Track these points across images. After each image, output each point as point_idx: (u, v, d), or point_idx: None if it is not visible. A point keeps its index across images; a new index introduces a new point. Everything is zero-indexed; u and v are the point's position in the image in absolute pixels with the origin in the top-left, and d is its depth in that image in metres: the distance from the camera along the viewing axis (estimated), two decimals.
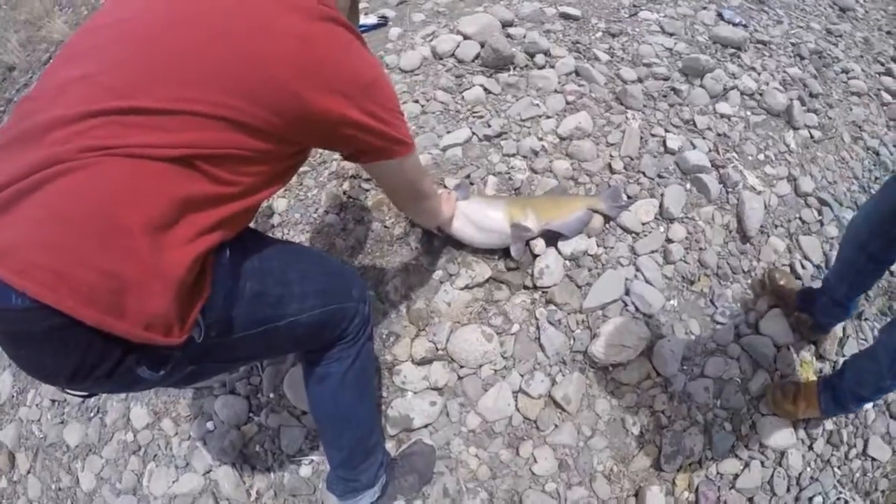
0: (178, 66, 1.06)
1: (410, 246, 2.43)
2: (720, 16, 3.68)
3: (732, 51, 3.40)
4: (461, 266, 2.31)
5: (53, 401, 2.66)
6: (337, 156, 2.57)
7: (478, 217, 2.16)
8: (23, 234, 0.95)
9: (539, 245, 2.29)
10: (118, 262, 0.97)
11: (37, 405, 2.72)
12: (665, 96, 2.98)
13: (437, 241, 2.38)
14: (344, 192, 2.73)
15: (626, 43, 3.32)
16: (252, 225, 1.43)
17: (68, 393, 1.26)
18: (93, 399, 2.51)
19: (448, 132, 2.83)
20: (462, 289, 2.26)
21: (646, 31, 3.43)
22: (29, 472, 2.60)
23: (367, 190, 2.71)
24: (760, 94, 3.13)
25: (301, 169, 2.79)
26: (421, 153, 2.71)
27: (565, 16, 3.52)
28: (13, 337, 1.02)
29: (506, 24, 3.44)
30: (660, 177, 2.54)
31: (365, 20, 3.85)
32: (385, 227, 2.52)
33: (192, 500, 2.15)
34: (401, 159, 1.42)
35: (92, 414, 2.51)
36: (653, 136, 2.72)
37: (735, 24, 3.59)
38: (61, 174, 0.96)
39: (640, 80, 3.06)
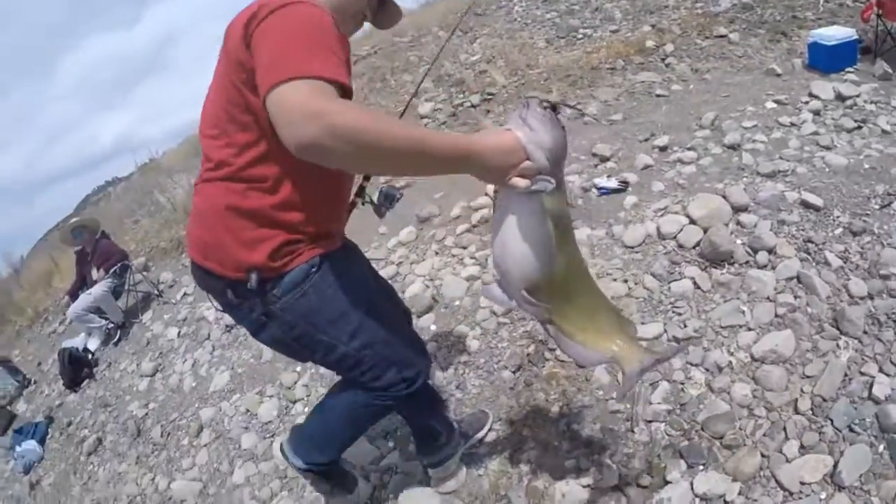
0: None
1: (559, 426, 2.58)
2: None
3: None
4: (593, 465, 2.37)
5: (247, 410, 3.59)
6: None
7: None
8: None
9: (674, 472, 2.24)
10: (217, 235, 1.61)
11: (235, 406, 3.70)
12: (895, 322, 2.73)
13: (579, 427, 2.50)
14: (527, 355, 2.99)
15: (866, 245, 3.08)
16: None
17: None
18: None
19: (642, 323, 2.95)
20: (585, 486, 2.31)
21: (895, 230, 3.15)
22: (205, 446, 3.56)
23: (548, 360, 2.92)
24: None
25: (500, 319, 3.14)
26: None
27: (805, 204, 3.39)
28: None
29: (739, 210, 3.46)
30: (850, 430, 2.21)
31: (605, 183, 4.12)
32: (547, 400, 2.72)
33: None
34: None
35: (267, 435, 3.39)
36: (861, 374, 2.40)
37: None
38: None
39: (869, 297, 2.79)
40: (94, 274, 6.18)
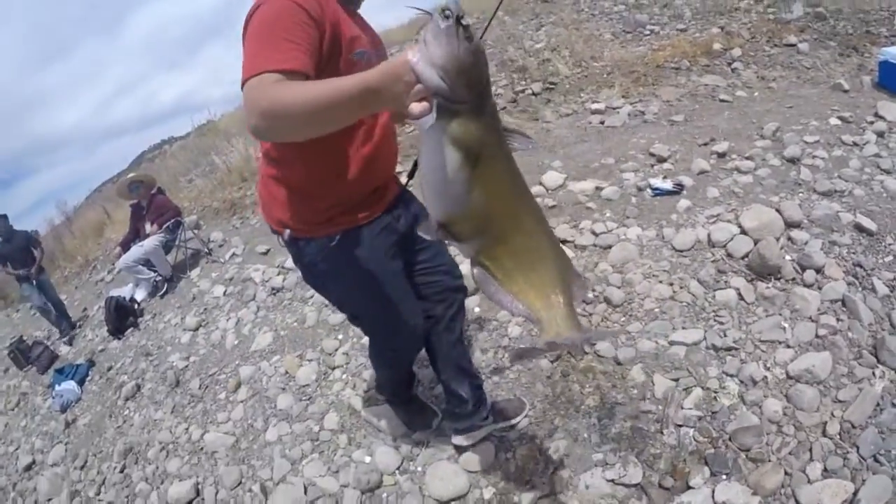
0: None
1: (590, 419, 2.66)
2: None
3: None
4: (619, 460, 2.45)
5: (286, 372, 3.78)
6: None
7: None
8: None
9: (697, 478, 2.29)
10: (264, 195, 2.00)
11: (275, 367, 3.89)
12: None
13: (610, 423, 2.59)
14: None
15: None
16: None
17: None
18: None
19: (683, 328, 3.04)
20: (609, 481, 2.38)
21: None
22: (241, 402, 3.73)
23: (587, 353, 3.02)
24: None
25: None
26: (648, 338, 3.01)
27: (859, 227, 3.42)
28: None
29: (791, 225, 3.50)
30: (874, 459, 2.21)
31: (660, 184, 4.18)
32: (581, 392, 2.76)
33: None
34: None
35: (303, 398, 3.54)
36: (893, 405, 2.41)
37: None
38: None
39: None
40: (148, 227, 6.43)
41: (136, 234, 6.60)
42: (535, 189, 4.60)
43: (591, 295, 3.37)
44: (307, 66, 1.42)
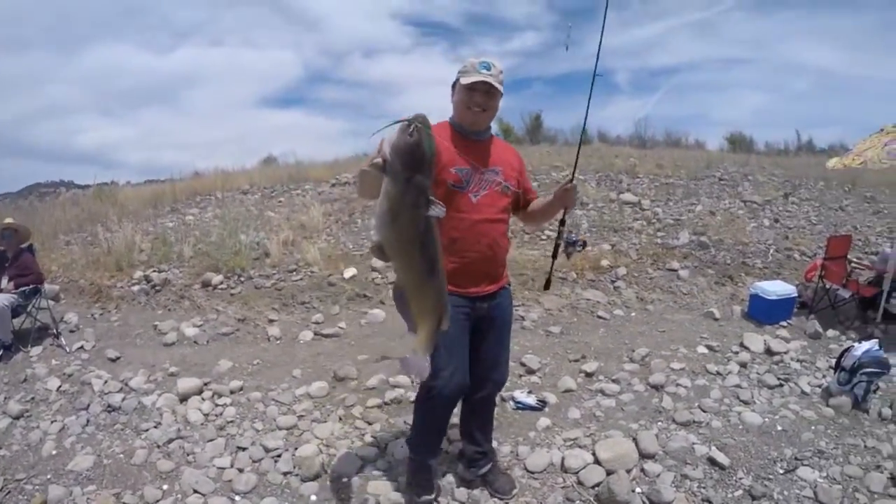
0: None
1: None
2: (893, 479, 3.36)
3: None
4: None
5: None
6: None
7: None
8: None
9: None
10: None
11: (87, 500, 3.48)
12: None
13: None
14: None
15: None
16: None
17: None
18: None
19: None
20: None
21: (794, 498, 3.21)
22: None
23: None
24: None
25: None
26: None
27: (712, 461, 3.49)
28: None
29: (646, 456, 3.55)
30: None
31: (524, 398, 4.21)
32: None
33: None
34: None
35: None
36: None
37: None
38: None
39: None
40: (4, 282, 5.86)
41: None
42: (402, 378, 4.53)
43: None
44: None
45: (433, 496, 3.11)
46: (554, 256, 3.16)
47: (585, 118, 3.25)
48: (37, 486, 3.57)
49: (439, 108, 3.11)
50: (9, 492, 3.54)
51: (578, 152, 3.34)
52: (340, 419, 4.14)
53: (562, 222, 3.06)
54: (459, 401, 3.02)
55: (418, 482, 3.12)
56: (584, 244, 3.11)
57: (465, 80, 2.57)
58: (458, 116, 2.70)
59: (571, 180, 2.73)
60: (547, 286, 3.35)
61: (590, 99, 3.00)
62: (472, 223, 2.64)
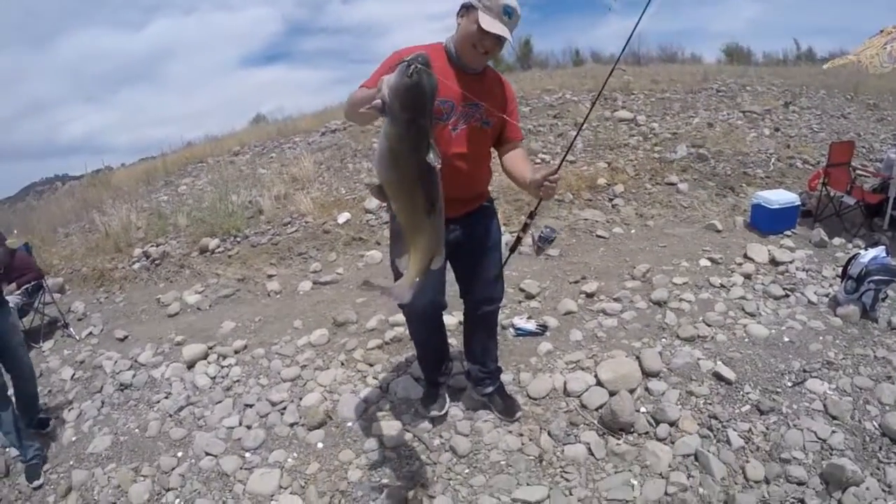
0: None
1: None
2: None
3: None
4: None
5: (119, 486, 3.38)
6: None
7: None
8: None
9: None
10: None
11: (108, 477, 3.47)
12: None
13: None
14: (405, 499, 2.90)
15: (772, 425, 3.10)
16: None
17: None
18: None
19: (527, 484, 2.89)
20: None
21: (803, 411, 3.18)
22: None
23: None
24: None
25: (387, 454, 3.26)
26: (490, 494, 2.85)
27: (718, 376, 3.43)
28: None
29: (650, 374, 3.49)
30: None
31: (524, 324, 4.12)
32: None
33: None
34: None
35: None
36: None
37: None
38: None
39: (765, 482, 2.79)
40: (5, 286, 5.87)
41: None
42: (399, 316, 4.46)
43: (436, 443, 3.20)
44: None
45: (442, 411, 3.38)
46: (511, 251, 3.16)
47: (591, 107, 3.42)
48: (61, 475, 3.61)
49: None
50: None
51: (572, 146, 3.32)
52: (343, 364, 4.14)
53: (531, 215, 2.99)
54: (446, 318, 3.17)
55: (427, 396, 3.46)
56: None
57: (484, 24, 2.40)
58: (459, 48, 2.55)
59: (556, 172, 2.45)
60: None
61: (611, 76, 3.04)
62: (448, 157, 2.52)
